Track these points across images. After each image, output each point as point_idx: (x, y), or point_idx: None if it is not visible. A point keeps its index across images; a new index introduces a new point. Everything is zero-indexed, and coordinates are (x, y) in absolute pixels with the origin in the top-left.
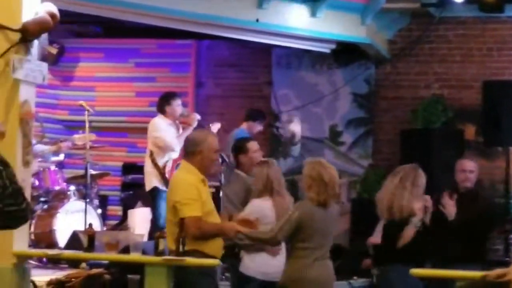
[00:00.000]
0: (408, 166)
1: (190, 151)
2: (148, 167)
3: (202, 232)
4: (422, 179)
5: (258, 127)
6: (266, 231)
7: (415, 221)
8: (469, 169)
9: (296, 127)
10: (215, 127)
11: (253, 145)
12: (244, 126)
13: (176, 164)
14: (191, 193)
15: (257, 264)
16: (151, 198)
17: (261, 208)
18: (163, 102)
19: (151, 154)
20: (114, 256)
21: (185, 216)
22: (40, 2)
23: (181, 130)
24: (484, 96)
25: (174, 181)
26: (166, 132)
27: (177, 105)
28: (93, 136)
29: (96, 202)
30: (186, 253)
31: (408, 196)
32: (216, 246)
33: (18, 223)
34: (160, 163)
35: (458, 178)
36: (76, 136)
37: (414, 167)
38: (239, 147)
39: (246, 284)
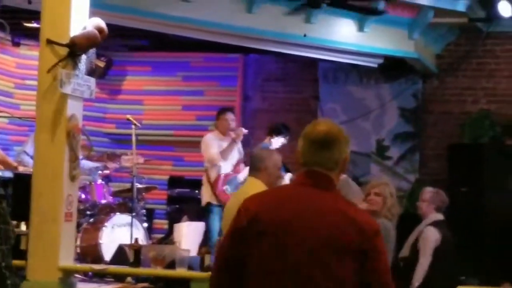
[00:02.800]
0: None
1: (255, 167)
2: (204, 182)
3: None
4: None
5: (280, 141)
6: None
7: None
8: None
9: None
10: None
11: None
12: (267, 140)
13: (225, 179)
14: None
15: None
16: (205, 213)
17: None
18: (215, 117)
19: (206, 169)
20: (160, 271)
21: None
22: (88, 17)
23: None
24: None
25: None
26: (211, 147)
27: (224, 120)
28: (141, 159)
29: (142, 215)
30: None
31: None
32: None
33: None
34: (212, 178)
35: None
36: (124, 157)
37: None
38: None
39: None
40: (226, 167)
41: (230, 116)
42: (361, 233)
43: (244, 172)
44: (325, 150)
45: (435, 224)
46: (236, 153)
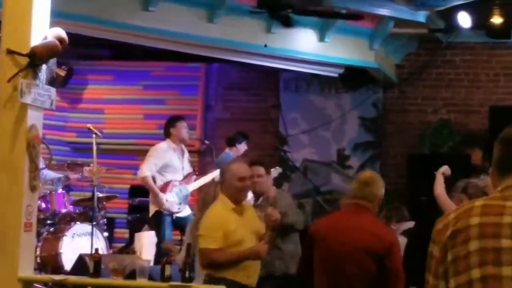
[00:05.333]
0: None
1: (221, 180)
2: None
3: (210, 262)
4: None
5: (242, 149)
6: None
7: None
8: None
9: None
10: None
11: None
12: (227, 150)
13: (171, 187)
14: (210, 224)
15: None
16: (155, 222)
17: None
18: (168, 125)
19: (152, 177)
20: (120, 282)
21: (199, 248)
22: (49, 26)
23: (186, 154)
24: (490, 121)
25: (206, 212)
26: (152, 161)
27: (178, 127)
28: (103, 170)
29: (103, 224)
30: (214, 281)
31: None
32: (247, 273)
33: None
34: (157, 185)
35: None
36: (87, 168)
37: None
38: None
39: None
40: (175, 177)
41: (184, 124)
42: (381, 242)
43: (195, 183)
44: (367, 186)
45: (403, 232)
46: (187, 164)
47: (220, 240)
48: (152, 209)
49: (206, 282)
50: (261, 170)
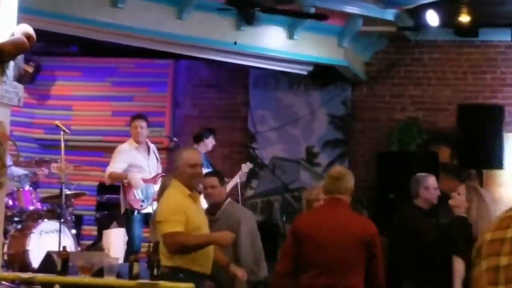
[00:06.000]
0: None
1: (174, 168)
2: (121, 188)
3: (180, 246)
4: None
5: (210, 144)
6: None
7: None
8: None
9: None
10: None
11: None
12: (196, 147)
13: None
14: (171, 209)
15: None
16: (125, 219)
17: None
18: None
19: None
20: (88, 279)
21: (163, 233)
22: (16, 23)
23: (151, 151)
24: (458, 119)
25: (161, 199)
26: (116, 161)
27: (133, 127)
28: (71, 168)
29: (71, 222)
30: (170, 271)
31: None
32: (200, 263)
33: None
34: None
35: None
36: (54, 165)
37: None
38: None
39: None
40: (142, 175)
41: (138, 123)
42: (367, 231)
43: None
44: (338, 181)
45: None
46: (154, 163)
47: (182, 223)
48: (124, 206)
49: (162, 273)
50: (214, 180)
